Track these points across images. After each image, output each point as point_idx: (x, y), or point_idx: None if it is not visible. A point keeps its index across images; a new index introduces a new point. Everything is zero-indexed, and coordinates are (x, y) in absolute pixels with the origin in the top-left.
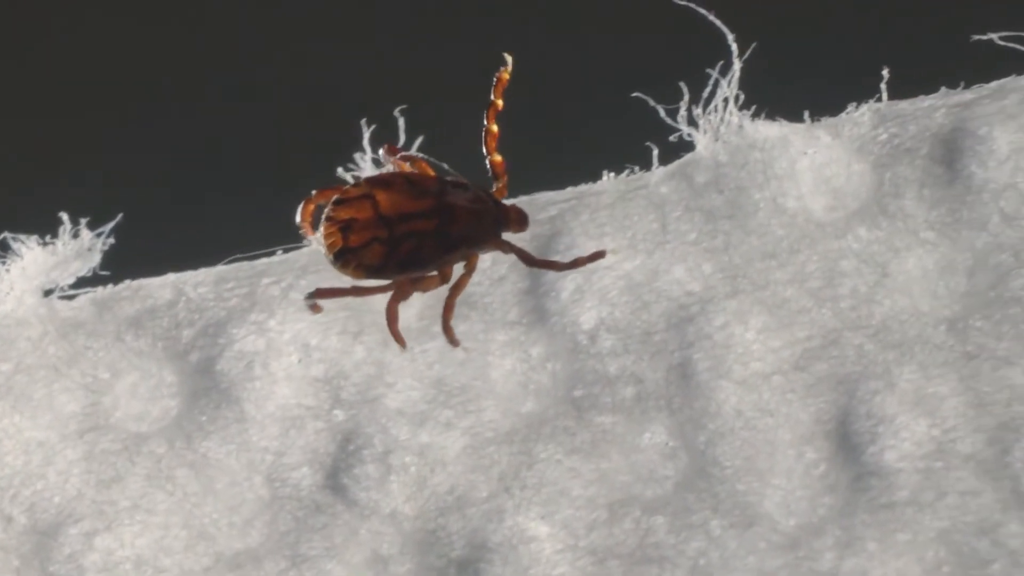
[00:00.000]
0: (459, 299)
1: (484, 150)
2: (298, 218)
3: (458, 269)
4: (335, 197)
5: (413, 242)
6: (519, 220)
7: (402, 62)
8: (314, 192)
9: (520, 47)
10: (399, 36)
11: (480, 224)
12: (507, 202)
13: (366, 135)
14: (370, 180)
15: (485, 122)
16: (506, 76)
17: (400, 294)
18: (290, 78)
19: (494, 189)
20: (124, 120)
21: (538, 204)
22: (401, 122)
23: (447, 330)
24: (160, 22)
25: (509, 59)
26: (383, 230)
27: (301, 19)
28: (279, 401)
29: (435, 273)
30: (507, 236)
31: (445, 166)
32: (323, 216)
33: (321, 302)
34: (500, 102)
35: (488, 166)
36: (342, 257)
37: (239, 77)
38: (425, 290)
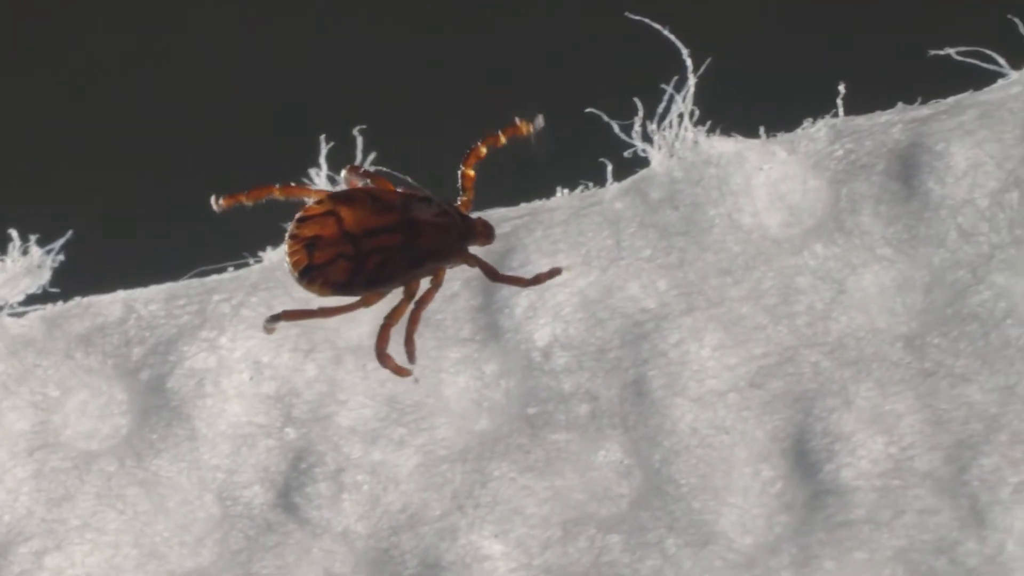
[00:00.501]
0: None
1: (461, 163)
2: (219, 200)
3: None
4: (298, 215)
5: (379, 257)
6: (485, 233)
7: (358, 80)
8: (277, 186)
9: (474, 61)
10: (360, 55)
11: (446, 238)
12: (472, 215)
13: (323, 151)
14: (333, 196)
15: (478, 143)
16: (524, 131)
17: (395, 318)
18: (246, 94)
19: (459, 202)
20: (73, 136)
21: (492, 220)
22: (359, 140)
23: (409, 343)
24: (110, 37)
25: (540, 120)
26: (348, 246)
27: (254, 36)
28: (230, 419)
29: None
30: (473, 249)
31: (409, 179)
32: (287, 234)
33: (276, 324)
34: (502, 139)
35: (459, 177)
36: (308, 275)
37: (191, 95)
38: (402, 313)
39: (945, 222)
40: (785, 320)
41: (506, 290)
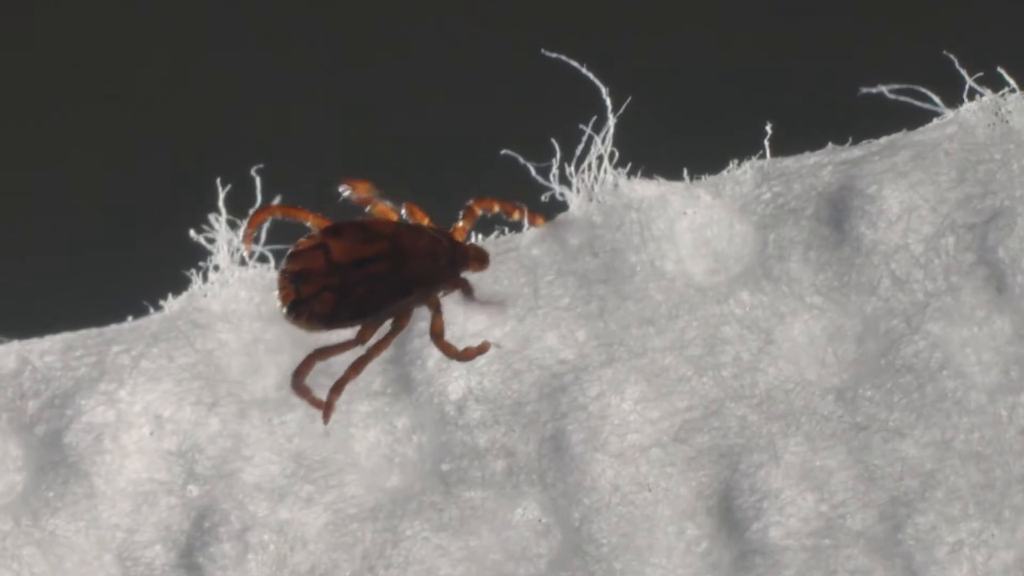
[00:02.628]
0: (319, 366)
1: (470, 201)
2: (244, 229)
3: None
4: (289, 250)
5: (365, 287)
6: (478, 258)
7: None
8: (275, 202)
9: (384, 96)
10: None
11: (435, 264)
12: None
13: (221, 195)
14: (324, 230)
15: (472, 202)
16: (515, 215)
17: (366, 359)
18: (146, 143)
19: (454, 228)
20: None
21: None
22: (258, 181)
23: (337, 390)
24: None
25: (527, 223)
26: (334, 278)
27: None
28: (130, 475)
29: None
30: (468, 275)
31: (399, 208)
32: (279, 270)
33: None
34: (495, 207)
35: (463, 210)
36: (294, 309)
37: (93, 140)
38: (386, 347)
39: (878, 269)
40: (710, 372)
41: (417, 341)
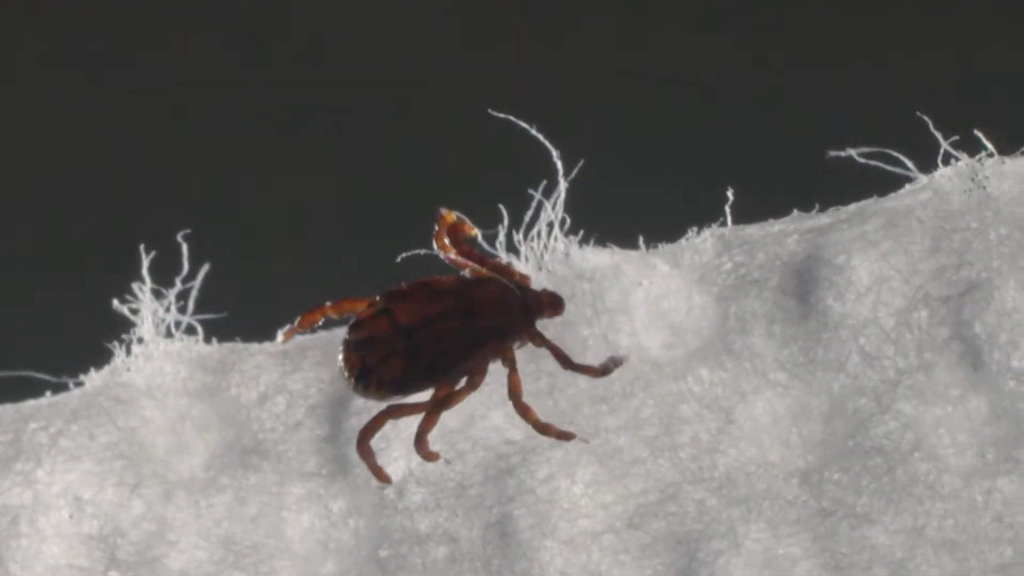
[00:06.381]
0: (252, 447)
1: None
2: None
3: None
4: (352, 320)
5: (435, 346)
6: (552, 304)
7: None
8: (328, 303)
9: (329, 157)
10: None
11: (508, 314)
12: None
13: (145, 262)
14: (387, 294)
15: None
16: (450, 219)
17: (435, 411)
18: (66, 207)
19: (519, 276)
20: None
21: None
22: (184, 248)
23: (422, 445)
24: None
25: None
26: (401, 341)
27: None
28: (48, 561)
29: (464, 383)
30: (541, 325)
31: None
32: (342, 340)
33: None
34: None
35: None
36: (363, 379)
37: (5, 204)
38: (454, 404)
39: (846, 344)
40: (667, 453)
41: (355, 419)
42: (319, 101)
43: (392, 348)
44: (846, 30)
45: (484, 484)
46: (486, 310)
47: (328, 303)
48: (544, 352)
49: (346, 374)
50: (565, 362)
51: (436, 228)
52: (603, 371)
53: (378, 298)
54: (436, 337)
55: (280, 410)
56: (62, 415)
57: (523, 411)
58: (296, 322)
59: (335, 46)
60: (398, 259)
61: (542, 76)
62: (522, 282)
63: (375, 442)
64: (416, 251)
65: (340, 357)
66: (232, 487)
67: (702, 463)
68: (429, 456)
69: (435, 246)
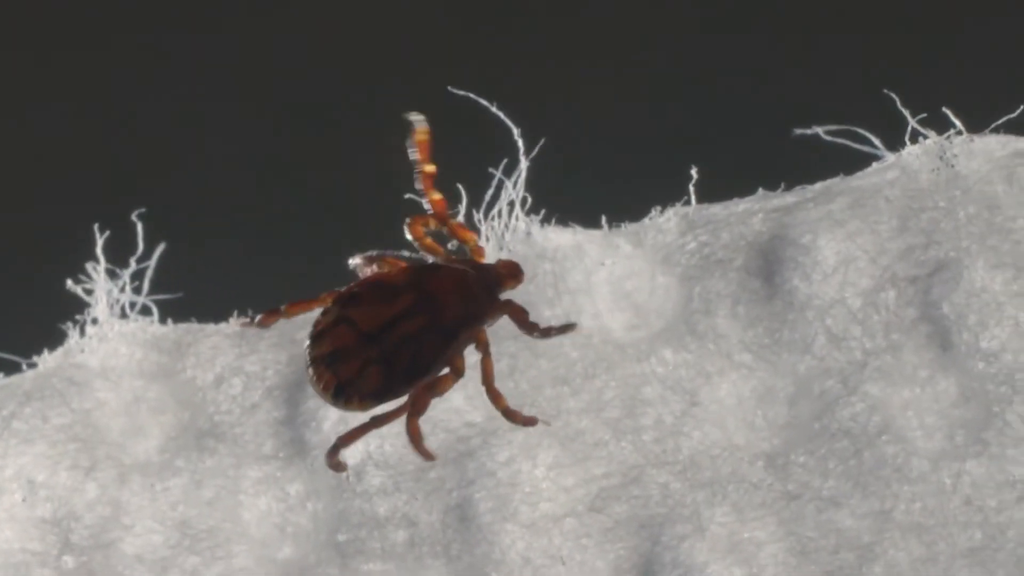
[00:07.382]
0: (208, 429)
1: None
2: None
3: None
4: (311, 333)
5: (409, 349)
6: (511, 274)
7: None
8: (283, 307)
9: (275, 142)
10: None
11: (472, 297)
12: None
13: (99, 241)
14: (338, 301)
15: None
16: (423, 137)
17: (418, 407)
18: (19, 186)
19: (471, 252)
20: None
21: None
22: (139, 227)
23: (417, 441)
24: None
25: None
26: (372, 349)
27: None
28: (0, 545)
29: (447, 370)
30: (504, 295)
31: (406, 253)
32: (306, 358)
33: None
34: (430, 167)
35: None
36: (342, 395)
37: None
38: (443, 392)
39: (812, 325)
40: (630, 435)
41: (312, 402)
42: (272, 75)
43: (365, 358)
44: (812, 7)
45: (444, 467)
46: (449, 300)
47: (283, 306)
48: (504, 333)
49: (321, 392)
50: (528, 326)
51: (409, 142)
52: (544, 333)
53: (330, 301)
54: (407, 338)
55: (236, 392)
56: (15, 397)
57: (494, 397)
58: (255, 320)
59: (285, 18)
60: (353, 238)
61: (503, 55)
62: (474, 258)
63: (331, 425)
64: (370, 225)
65: (310, 373)
66: (188, 470)
67: (666, 446)
68: (429, 456)
69: (408, 234)
